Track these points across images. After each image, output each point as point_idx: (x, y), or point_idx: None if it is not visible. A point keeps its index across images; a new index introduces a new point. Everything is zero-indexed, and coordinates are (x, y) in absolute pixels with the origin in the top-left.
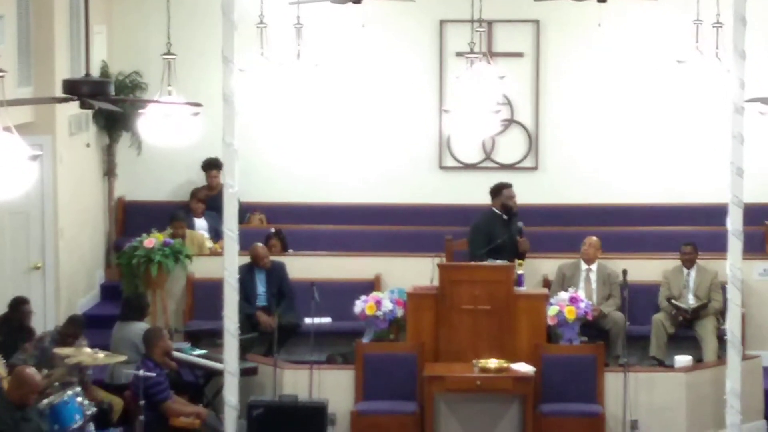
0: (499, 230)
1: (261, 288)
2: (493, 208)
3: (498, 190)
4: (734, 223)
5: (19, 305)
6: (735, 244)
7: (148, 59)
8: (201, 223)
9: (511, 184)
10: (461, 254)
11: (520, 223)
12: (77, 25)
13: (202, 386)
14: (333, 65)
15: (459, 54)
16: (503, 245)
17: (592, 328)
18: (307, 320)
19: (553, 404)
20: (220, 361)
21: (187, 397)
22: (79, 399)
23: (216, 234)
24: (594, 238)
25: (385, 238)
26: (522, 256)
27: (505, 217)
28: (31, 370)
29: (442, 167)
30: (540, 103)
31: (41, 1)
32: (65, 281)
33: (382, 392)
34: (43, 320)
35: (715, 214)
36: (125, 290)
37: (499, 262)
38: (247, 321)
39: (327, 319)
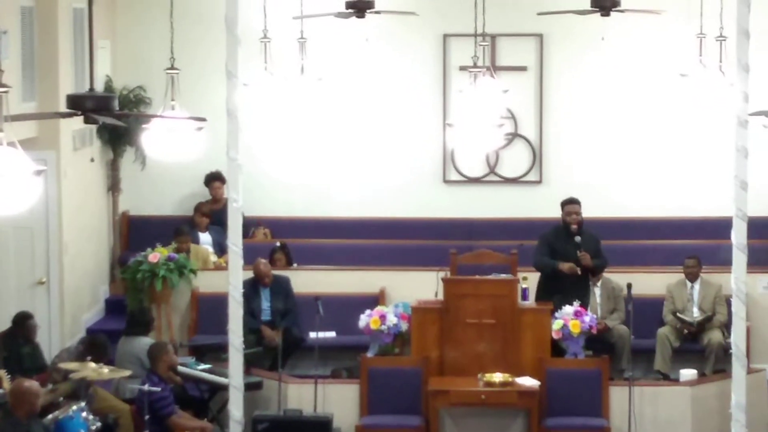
0: (561, 243)
1: (265, 302)
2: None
3: (562, 206)
4: (739, 236)
5: (24, 320)
6: (739, 258)
7: (152, 74)
8: (205, 238)
9: (574, 200)
10: (466, 268)
11: (577, 238)
12: (81, 40)
13: (207, 401)
14: (337, 79)
15: (462, 68)
16: (565, 258)
17: (597, 341)
18: (312, 334)
19: (558, 418)
20: (225, 375)
21: (192, 412)
22: (84, 414)
23: (220, 248)
24: None
25: (390, 252)
26: (593, 271)
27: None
28: (28, 382)
29: (446, 181)
30: (544, 117)
31: (45, 16)
32: (70, 296)
33: (387, 406)
34: (48, 335)
35: (720, 227)
36: (130, 305)
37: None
38: (252, 335)
39: (331, 334)
